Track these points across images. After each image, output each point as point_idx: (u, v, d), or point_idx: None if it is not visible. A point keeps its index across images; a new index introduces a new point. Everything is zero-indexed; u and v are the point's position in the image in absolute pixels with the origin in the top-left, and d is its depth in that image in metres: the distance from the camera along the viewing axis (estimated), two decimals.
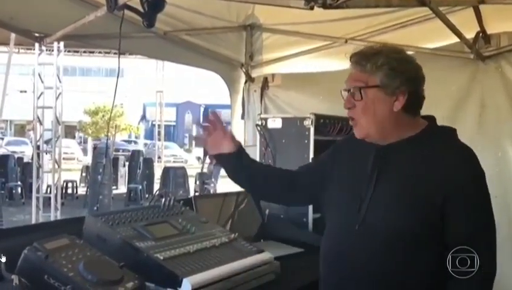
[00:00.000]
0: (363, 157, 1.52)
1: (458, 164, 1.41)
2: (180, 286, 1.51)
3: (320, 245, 1.59)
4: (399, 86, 1.43)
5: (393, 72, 1.43)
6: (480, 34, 2.77)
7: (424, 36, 2.92)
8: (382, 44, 1.62)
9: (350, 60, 1.48)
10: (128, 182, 13.17)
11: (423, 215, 1.39)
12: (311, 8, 1.81)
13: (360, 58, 1.46)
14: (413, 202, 1.40)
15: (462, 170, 1.41)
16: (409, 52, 2.90)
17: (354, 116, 1.48)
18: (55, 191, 8.44)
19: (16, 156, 15.02)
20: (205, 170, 13.21)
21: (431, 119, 1.53)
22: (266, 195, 1.93)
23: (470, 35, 2.71)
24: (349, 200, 1.49)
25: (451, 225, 1.39)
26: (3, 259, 1.38)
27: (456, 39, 2.68)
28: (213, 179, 13.21)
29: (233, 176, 1.76)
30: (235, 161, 1.71)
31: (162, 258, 1.59)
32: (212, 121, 1.73)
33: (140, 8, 1.99)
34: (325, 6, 1.84)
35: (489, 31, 2.79)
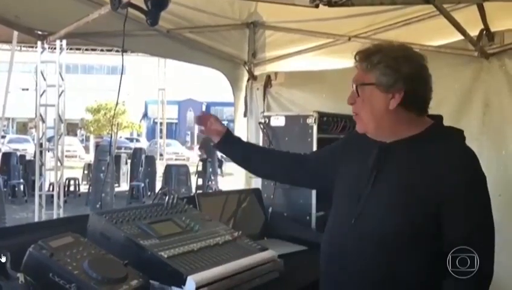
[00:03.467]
0: (366, 154, 1.53)
1: (456, 167, 1.40)
2: (184, 284, 1.52)
3: (322, 241, 1.62)
4: (394, 84, 1.43)
5: (389, 70, 1.43)
6: (484, 32, 2.75)
7: (428, 34, 2.90)
8: (389, 41, 1.61)
9: (355, 58, 1.51)
10: (130, 180, 13.19)
11: (415, 218, 1.40)
12: (316, 6, 1.80)
13: (360, 57, 1.49)
14: (407, 204, 1.41)
15: (460, 174, 1.40)
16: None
17: (356, 111, 1.52)
18: (57, 189, 8.43)
19: (18, 153, 15.04)
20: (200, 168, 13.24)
21: (438, 118, 1.53)
22: (266, 174, 2.12)
23: (473, 32, 2.69)
24: (350, 196, 1.52)
25: (447, 229, 1.39)
26: (8, 257, 1.37)
27: (459, 37, 2.66)
28: (212, 177, 13.22)
29: (232, 157, 1.96)
30: (226, 141, 1.90)
31: (166, 256, 1.60)
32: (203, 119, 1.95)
33: (143, 6, 1.98)
34: (330, 4, 1.83)
35: (493, 29, 2.78)
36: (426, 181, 1.40)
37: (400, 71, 1.43)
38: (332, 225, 1.58)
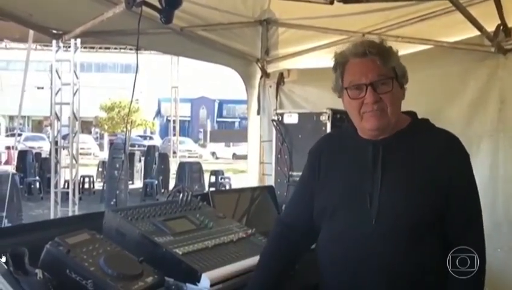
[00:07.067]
0: (357, 154, 1.51)
1: (451, 148, 1.46)
2: (199, 281, 1.52)
3: (322, 251, 1.54)
4: (404, 77, 1.49)
5: (401, 65, 1.48)
6: (501, 27, 2.71)
7: (443, 29, 2.87)
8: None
9: (367, 51, 1.43)
10: (144, 177, 13.31)
11: (433, 202, 1.41)
12: (331, 3, 1.79)
13: (379, 50, 1.45)
14: (423, 189, 1.42)
15: (457, 153, 1.46)
16: (428, 46, 2.90)
17: (382, 107, 1.43)
18: (72, 186, 8.53)
19: (34, 151, 15.24)
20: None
21: (413, 113, 1.56)
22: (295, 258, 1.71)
23: (490, 28, 2.66)
24: (355, 199, 1.47)
25: (455, 207, 1.41)
26: (26, 253, 1.40)
27: (475, 33, 2.63)
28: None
29: None
30: None
31: (180, 253, 1.60)
32: None
33: (158, 5, 2.00)
34: (345, 0, 1.81)
35: (510, 24, 2.74)
36: (430, 165, 1.43)
37: (403, 67, 1.49)
38: (345, 232, 1.47)
